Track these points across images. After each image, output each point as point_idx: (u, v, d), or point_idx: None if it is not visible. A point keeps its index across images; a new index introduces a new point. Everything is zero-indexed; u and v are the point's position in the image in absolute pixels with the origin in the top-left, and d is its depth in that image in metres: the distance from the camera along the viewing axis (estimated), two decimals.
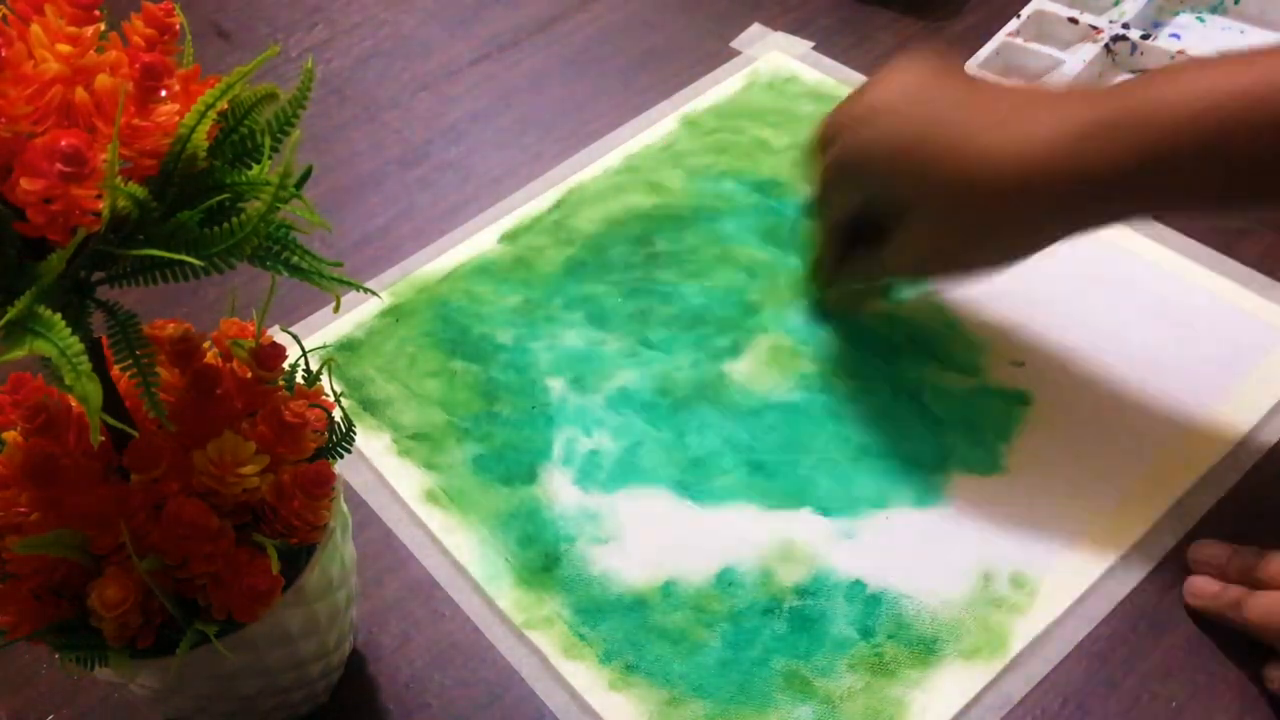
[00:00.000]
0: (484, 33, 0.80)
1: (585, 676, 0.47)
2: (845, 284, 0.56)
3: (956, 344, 0.57)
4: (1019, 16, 0.70)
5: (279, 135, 0.36)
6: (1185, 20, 0.71)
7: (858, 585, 0.49)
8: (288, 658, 0.41)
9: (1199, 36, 0.70)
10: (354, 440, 0.43)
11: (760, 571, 0.49)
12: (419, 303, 0.62)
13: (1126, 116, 0.43)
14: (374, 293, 0.40)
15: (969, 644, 0.46)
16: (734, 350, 0.58)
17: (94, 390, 0.29)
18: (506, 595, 0.50)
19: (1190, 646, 0.46)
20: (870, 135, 0.48)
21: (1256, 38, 0.69)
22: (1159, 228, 0.60)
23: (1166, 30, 0.71)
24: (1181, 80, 0.43)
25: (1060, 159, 0.44)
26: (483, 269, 0.64)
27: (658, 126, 0.70)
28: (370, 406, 0.57)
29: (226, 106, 0.35)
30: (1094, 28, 0.69)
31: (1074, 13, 0.70)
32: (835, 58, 0.73)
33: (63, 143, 0.30)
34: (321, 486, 0.39)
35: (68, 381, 0.29)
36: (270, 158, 0.35)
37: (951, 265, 0.50)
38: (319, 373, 0.43)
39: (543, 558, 0.51)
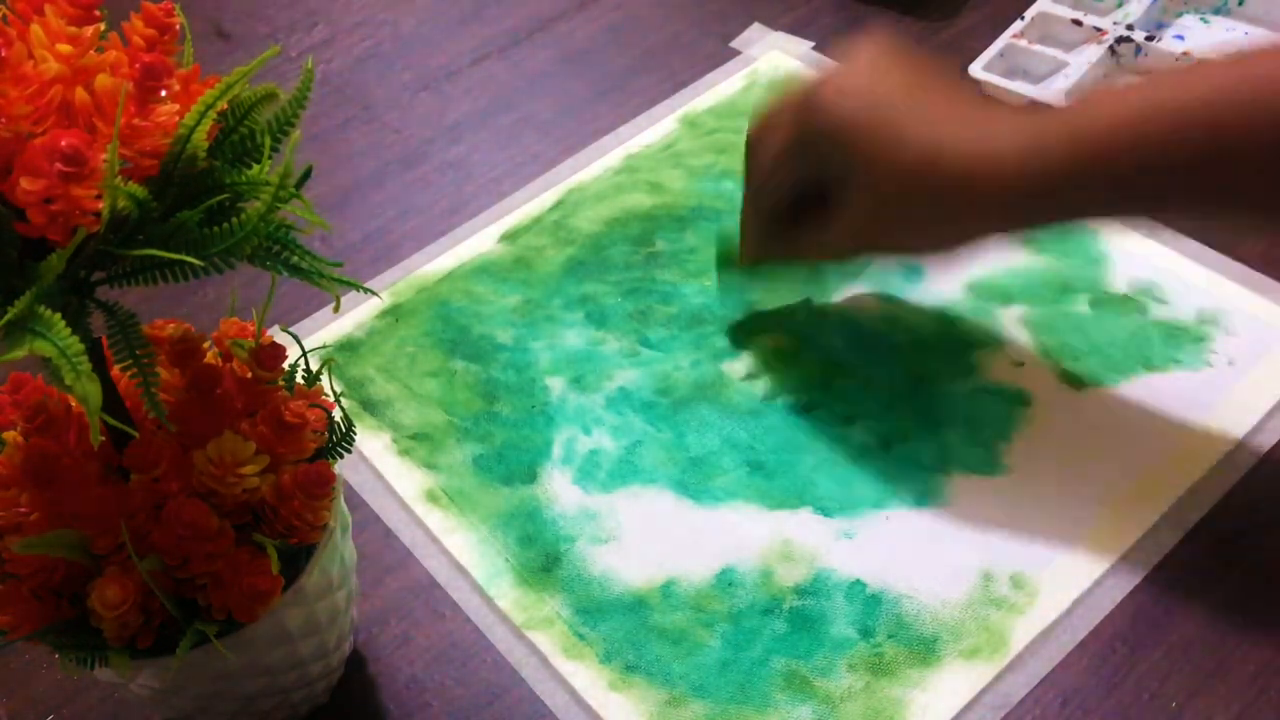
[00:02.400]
0: (484, 33, 0.80)
1: (585, 676, 0.47)
2: (769, 261, 0.56)
3: (956, 344, 0.57)
4: (1023, 18, 0.70)
5: (279, 135, 0.36)
6: (1189, 21, 0.71)
7: (858, 585, 0.48)
8: (288, 658, 0.41)
9: (1203, 37, 0.70)
10: (354, 440, 0.43)
11: (760, 571, 0.49)
12: (419, 303, 0.62)
13: (1065, 130, 0.45)
14: (374, 293, 0.40)
15: (969, 644, 0.46)
16: (734, 350, 0.58)
17: (94, 390, 0.29)
18: (506, 595, 0.50)
19: (1190, 646, 0.46)
20: (837, 113, 0.49)
21: (1259, 39, 0.69)
22: (1159, 228, 0.60)
23: (1170, 31, 0.71)
24: (1114, 98, 0.46)
25: (1007, 162, 0.46)
26: (483, 269, 0.64)
27: (658, 126, 0.70)
28: (370, 406, 0.57)
29: (226, 106, 0.35)
30: (1098, 29, 0.69)
31: (1078, 14, 0.70)
32: (835, 58, 0.73)
33: (63, 143, 0.30)
34: (321, 486, 0.39)
35: (68, 381, 0.29)
36: (270, 158, 0.35)
37: (885, 244, 0.51)
38: (319, 373, 0.43)
39: (543, 558, 0.51)
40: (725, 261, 0.58)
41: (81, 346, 0.30)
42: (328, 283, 0.36)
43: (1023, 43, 0.70)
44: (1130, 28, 0.69)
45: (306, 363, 0.43)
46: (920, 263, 0.53)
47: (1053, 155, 0.45)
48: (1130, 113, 0.44)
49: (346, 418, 0.43)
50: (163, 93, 0.33)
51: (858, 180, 0.49)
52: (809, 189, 0.51)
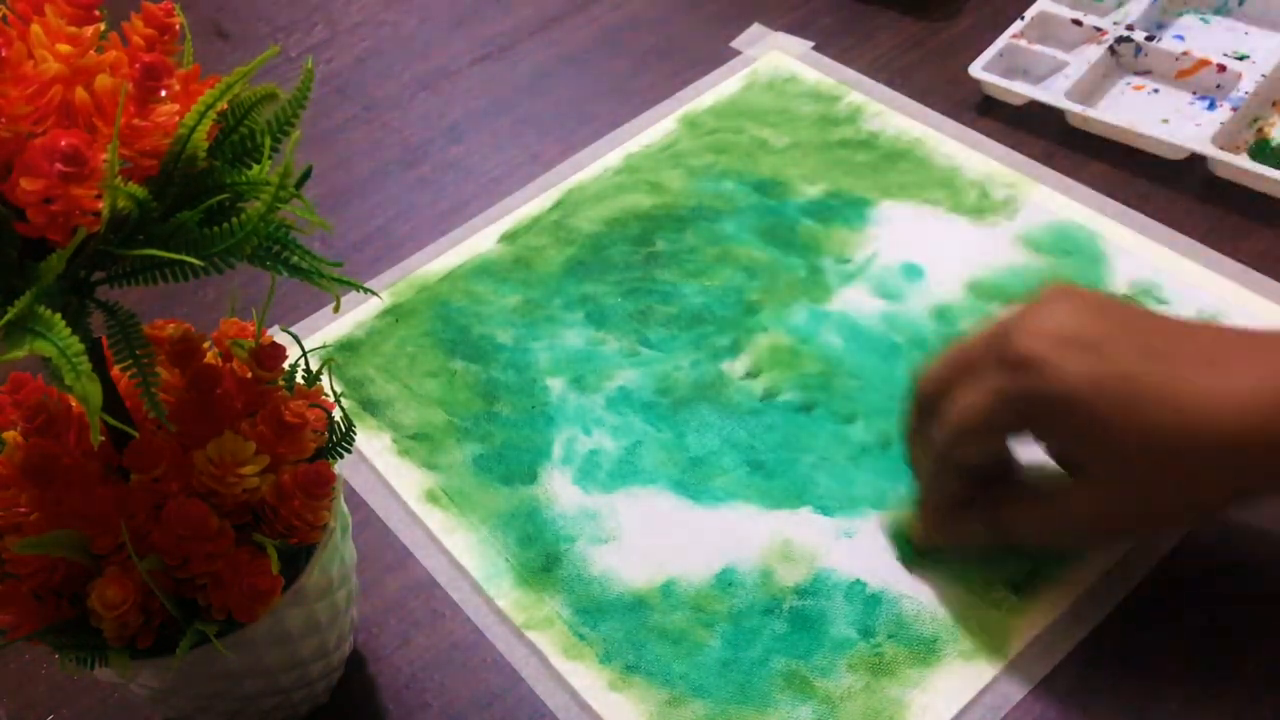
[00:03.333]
0: (484, 33, 0.80)
1: (585, 676, 0.47)
2: (960, 535, 0.48)
3: None
4: (1023, 18, 0.70)
5: (279, 135, 0.36)
6: (1189, 21, 0.71)
7: (858, 585, 0.48)
8: (288, 658, 0.41)
9: (1203, 37, 0.70)
10: (354, 440, 0.43)
11: (760, 571, 0.49)
12: (419, 303, 0.62)
13: None
14: (374, 293, 0.40)
15: (969, 644, 0.46)
16: (734, 350, 0.58)
17: (94, 390, 0.29)
18: (506, 595, 0.50)
19: (1190, 648, 0.46)
20: (1063, 373, 0.40)
21: (1260, 39, 0.69)
22: (1159, 227, 0.60)
23: (1171, 32, 0.71)
24: None
25: (1265, 414, 0.39)
26: (483, 269, 0.64)
27: (658, 126, 0.70)
28: (370, 406, 0.57)
29: (226, 106, 0.35)
30: (1098, 29, 0.69)
31: (1078, 14, 0.70)
32: (835, 58, 0.73)
33: (63, 143, 0.30)
34: (321, 486, 0.39)
35: (68, 381, 0.29)
36: (270, 158, 0.35)
37: (1129, 527, 0.45)
38: (319, 373, 0.43)
39: (543, 558, 0.51)
40: (903, 545, 0.49)
41: (81, 346, 0.30)
42: (328, 283, 0.35)
43: (1023, 43, 0.70)
44: (1130, 28, 0.69)
45: (306, 363, 0.43)
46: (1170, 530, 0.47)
47: None
48: None
49: (346, 418, 0.43)
50: (163, 93, 0.33)
51: (1095, 457, 0.41)
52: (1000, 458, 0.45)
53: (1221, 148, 0.61)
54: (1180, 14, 0.72)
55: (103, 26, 0.34)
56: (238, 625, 0.38)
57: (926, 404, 0.45)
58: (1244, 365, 0.40)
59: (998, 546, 0.47)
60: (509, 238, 0.65)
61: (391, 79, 0.78)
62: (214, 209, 0.33)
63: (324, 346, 0.60)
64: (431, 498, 0.53)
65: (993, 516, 0.46)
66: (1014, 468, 0.47)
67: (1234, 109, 0.63)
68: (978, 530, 0.47)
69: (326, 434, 0.42)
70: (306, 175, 0.35)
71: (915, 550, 0.49)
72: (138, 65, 0.32)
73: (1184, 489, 0.41)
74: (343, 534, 0.43)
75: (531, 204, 0.67)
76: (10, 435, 0.38)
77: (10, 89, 0.31)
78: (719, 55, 0.75)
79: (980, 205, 0.63)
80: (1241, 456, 0.39)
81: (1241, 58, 0.67)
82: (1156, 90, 0.68)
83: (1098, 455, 0.41)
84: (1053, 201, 0.63)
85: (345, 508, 0.44)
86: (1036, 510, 0.45)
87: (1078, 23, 0.70)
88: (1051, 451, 0.45)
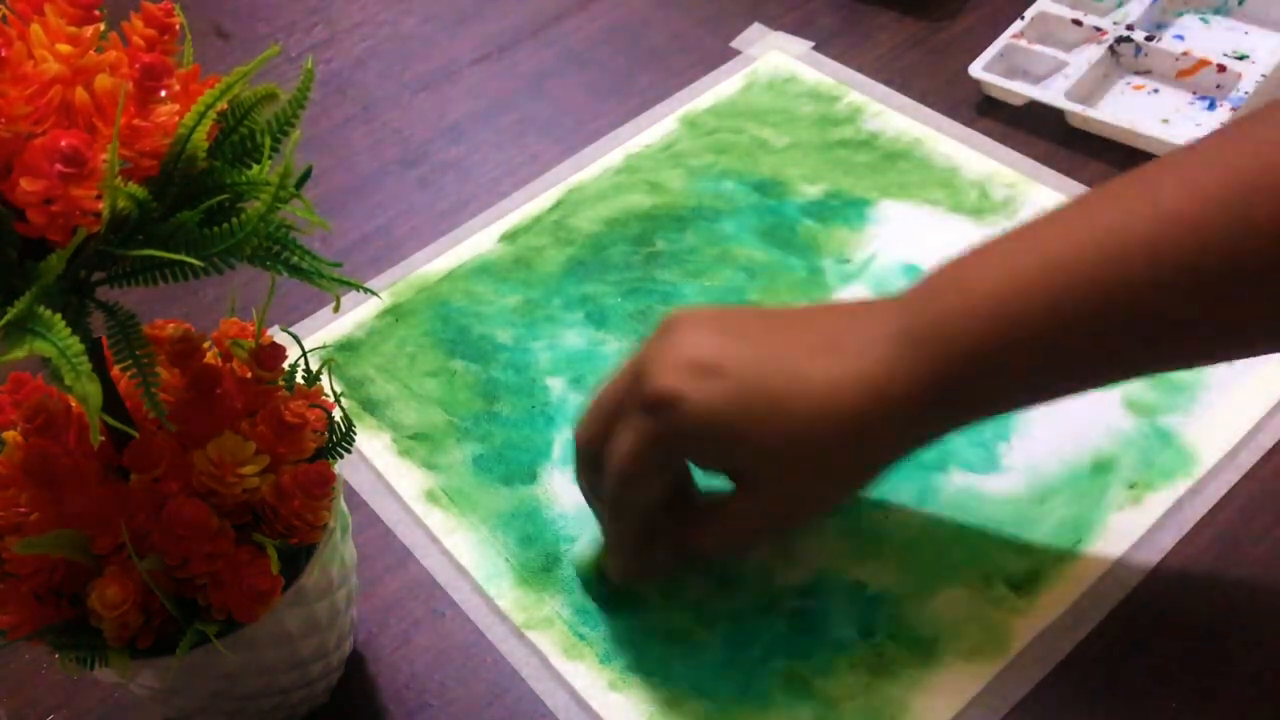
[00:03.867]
0: (484, 33, 0.80)
1: (585, 676, 0.47)
2: (651, 570, 0.49)
3: None
4: (1023, 18, 0.70)
5: (279, 135, 0.36)
6: (1189, 21, 0.71)
7: (858, 585, 0.48)
8: (288, 658, 0.41)
9: (1203, 37, 0.70)
10: (354, 440, 0.43)
11: (760, 571, 0.49)
12: (419, 303, 0.62)
13: (924, 326, 0.41)
14: (374, 293, 0.40)
15: (969, 644, 0.46)
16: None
17: (94, 390, 0.29)
18: (506, 595, 0.50)
19: (1190, 648, 0.46)
20: (698, 403, 0.41)
21: (1260, 39, 0.69)
22: None
23: (1171, 31, 0.71)
24: (971, 278, 0.41)
25: (884, 384, 0.41)
26: (483, 269, 0.64)
27: (658, 126, 0.70)
28: (370, 406, 0.57)
29: (226, 106, 0.35)
30: (1098, 29, 0.69)
31: (1078, 14, 0.70)
32: (835, 58, 0.73)
33: (63, 143, 0.30)
34: (321, 486, 0.39)
35: (68, 381, 0.29)
36: (270, 158, 0.35)
37: (803, 515, 0.46)
38: (319, 373, 0.43)
39: (543, 558, 0.51)
40: (593, 585, 0.49)
41: (81, 346, 0.30)
42: (328, 283, 0.36)
43: (1022, 43, 0.70)
44: (1130, 28, 0.69)
45: (306, 363, 0.43)
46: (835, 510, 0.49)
47: (919, 357, 0.40)
48: (996, 298, 0.40)
49: (346, 418, 0.43)
50: (163, 93, 0.33)
51: (757, 465, 0.42)
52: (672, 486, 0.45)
53: None
54: (1180, 14, 0.72)
55: (103, 26, 0.34)
56: (238, 625, 0.38)
57: (588, 456, 0.46)
58: (852, 342, 0.42)
59: (686, 569, 0.49)
60: (509, 238, 0.65)
61: (391, 79, 0.78)
62: (214, 209, 0.33)
63: (324, 346, 0.60)
64: (431, 498, 0.53)
65: (677, 542, 0.46)
66: (690, 491, 0.47)
67: (1234, 109, 0.63)
68: (665, 559, 0.48)
69: (326, 434, 0.42)
70: (306, 175, 0.35)
71: (609, 589, 0.49)
72: (138, 65, 0.32)
73: (832, 474, 0.43)
74: (343, 534, 0.43)
75: (531, 204, 0.67)
76: (10, 435, 0.38)
77: (10, 89, 0.31)
78: (719, 55, 0.75)
79: (980, 205, 0.63)
80: (870, 429, 0.41)
81: (1241, 58, 0.67)
82: (1156, 90, 0.68)
83: (751, 465, 0.43)
84: (1053, 201, 0.62)
85: (345, 508, 0.44)
86: (710, 527, 0.45)
87: (1078, 23, 0.70)
88: (718, 470, 0.45)
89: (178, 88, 0.34)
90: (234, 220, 0.33)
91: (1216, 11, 0.71)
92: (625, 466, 0.43)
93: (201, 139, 0.33)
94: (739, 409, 0.41)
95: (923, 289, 0.43)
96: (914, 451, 0.43)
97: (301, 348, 0.43)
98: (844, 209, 0.64)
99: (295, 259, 0.35)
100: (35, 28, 0.32)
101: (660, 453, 0.43)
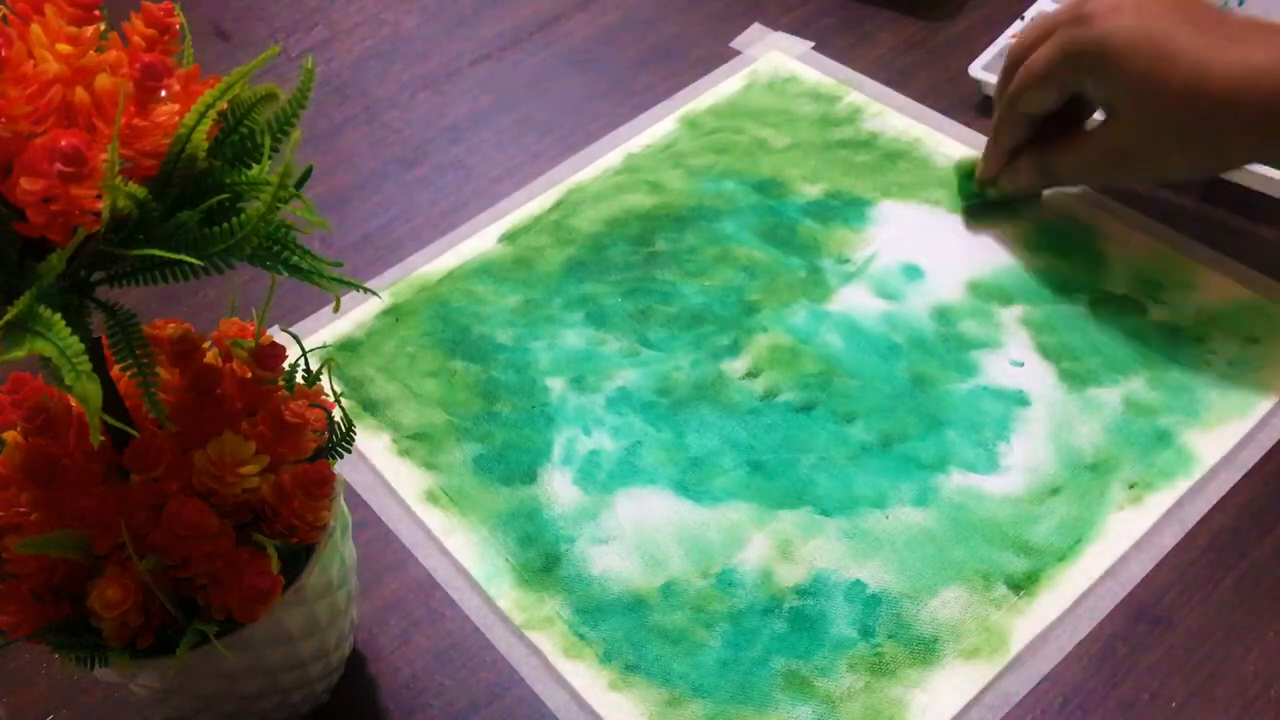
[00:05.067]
0: (484, 33, 0.80)
1: (585, 676, 0.47)
2: (1012, 179, 0.59)
3: (956, 344, 0.57)
4: (1022, 18, 0.70)
5: (279, 135, 0.36)
6: None
7: (858, 585, 0.49)
8: (288, 658, 0.41)
9: None
10: (354, 440, 0.43)
11: (760, 571, 0.49)
12: (419, 303, 0.62)
13: None
14: (374, 293, 0.40)
15: (969, 644, 0.46)
16: (734, 350, 0.58)
17: (94, 390, 0.29)
18: (506, 595, 0.50)
19: (1190, 646, 0.46)
20: (1108, 27, 0.50)
21: None
22: (1159, 227, 0.60)
23: None
24: None
25: (1264, 83, 0.48)
26: (483, 269, 0.64)
27: (658, 126, 0.70)
28: (370, 406, 0.57)
29: (226, 106, 0.35)
30: None
31: None
32: (835, 58, 0.73)
33: (63, 143, 0.30)
34: (321, 486, 0.39)
35: (68, 381, 0.29)
36: (270, 158, 0.35)
37: (1144, 166, 0.54)
38: (319, 373, 0.43)
39: (543, 558, 0.51)
40: (964, 179, 0.62)
41: (81, 346, 0.30)
42: (328, 283, 0.35)
43: None
44: None
45: (306, 363, 0.43)
46: (1174, 184, 0.58)
47: None
48: None
49: (346, 418, 0.43)
50: (163, 93, 0.33)
51: (1124, 98, 0.51)
52: (1065, 107, 0.54)
53: None
54: None
55: (103, 26, 0.34)
56: (238, 625, 0.38)
57: (1012, 65, 0.56)
58: (1268, 46, 0.49)
59: (1038, 185, 0.59)
60: (509, 238, 0.65)
61: (391, 79, 0.78)
62: (214, 209, 0.33)
63: (324, 346, 0.60)
64: (431, 498, 0.53)
65: (1042, 156, 0.57)
66: (1075, 121, 0.56)
67: None
68: (1029, 168, 0.58)
69: (326, 434, 0.42)
70: (306, 175, 0.35)
71: (975, 186, 0.61)
72: (138, 65, 0.32)
73: (1193, 140, 0.51)
74: (343, 534, 0.43)
75: (531, 204, 0.67)
76: (10, 435, 0.38)
77: (10, 89, 0.31)
78: (719, 55, 0.75)
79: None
80: (1241, 119, 0.49)
81: None
82: None
83: (1128, 97, 0.51)
84: (1052, 201, 0.63)
85: (345, 508, 0.44)
86: (1073, 144, 0.55)
87: None
88: (1099, 99, 0.54)
89: (178, 88, 0.34)
90: (234, 220, 0.33)
91: None
92: (1035, 67, 0.54)
93: (201, 139, 0.33)
94: (1140, 45, 0.50)
95: None
96: (1258, 157, 0.52)
97: (301, 348, 0.43)
98: (844, 209, 0.64)
99: (295, 259, 0.35)
100: (35, 28, 0.32)
101: (1064, 61, 0.53)
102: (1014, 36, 0.69)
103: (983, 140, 0.66)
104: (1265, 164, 0.53)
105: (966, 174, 0.61)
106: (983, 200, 0.61)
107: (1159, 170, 0.56)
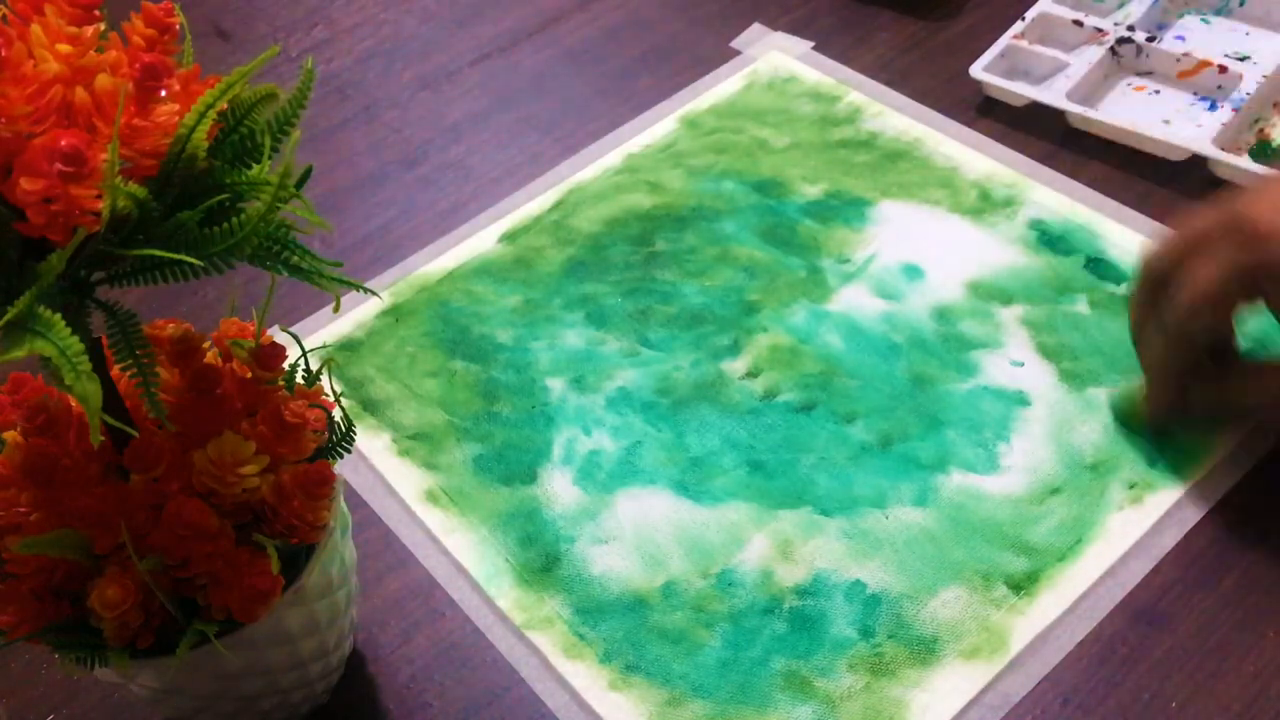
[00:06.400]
0: (484, 33, 0.80)
1: (585, 676, 0.47)
2: (1191, 407, 0.51)
3: (956, 344, 0.57)
4: (1023, 19, 0.70)
5: (279, 135, 0.36)
6: (1190, 22, 0.71)
7: (858, 585, 0.48)
8: (288, 658, 0.41)
9: (1204, 38, 0.70)
10: (354, 440, 0.43)
11: (760, 571, 0.49)
12: (419, 303, 0.62)
13: None
14: (374, 293, 0.40)
15: (969, 644, 0.46)
16: (734, 350, 0.58)
17: (94, 390, 0.29)
18: (506, 595, 0.50)
19: (1190, 646, 0.46)
20: None
21: (1261, 39, 0.69)
22: (1160, 227, 0.60)
23: (1171, 32, 0.71)
24: None
25: None
26: (483, 269, 0.64)
27: (658, 126, 0.70)
28: (370, 406, 0.57)
29: (226, 106, 0.35)
30: (1099, 30, 0.69)
31: (1079, 15, 0.70)
32: (835, 58, 0.73)
33: (63, 143, 0.30)
34: (321, 486, 0.39)
35: (68, 381, 0.29)
36: (270, 158, 0.35)
37: None
38: (319, 373, 0.43)
39: (543, 558, 0.51)
40: (1126, 418, 0.53)
41: (81, 346, 0.30)
42: (328, 283, 0.35)
43: (1023, 43, 0.70)
44: (1131, 28, 0.69)
45: (306, 363, 0.43)
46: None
47: None
48: None
49: (346, 418, 0.43)
50: (163, 93, 0.33)
51: None
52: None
53: (1222, 149, 0.61)
54: (1181, 14, 0.72)
55: (103, 26, 0.34)
56: (238, 625, 0.38)
57: (1156, 281, 0.48)
58: None
59: (1214, 416, 0.51)
60: (509, 238, 0.65)
61: (391, 79, 0.78)
62: (214, 209, 0.33)
63: (324, 346, 0.60)
64: (431, 498, 0.53)
65: (1221, 385, 0.49)
66: (1232, 345, 0.50)
67: (1235, 110, 0.63)
68: (1199, 403, 0.50)
69: (326, 434, 0.42)
70: (306, 175, 0.35)
71: (1148, 425, 0.52)
72: (138, 65, 0.32)
73: None
74: (343, 534, 0.43)
75: (531, 204, 0.67)
76: (10, 435, 0.38)
77: (10, 89, 0.31)
78: (719, 55, 0.75)
79: (980, 205, 0.63)
80: None
81: (1243, 58, 0.67)
82: (1157, 91, 0.68)
83: None
84: (1053, 202, 0.63)
85: (345, 508, 0.44)
86: (1253, 380, 0.49)
87: (1079, 23, 0.70)
88: None
89: (178, 88, 0.34)
90: (234, 220, 0.33)
91: (1217, 12, 0.71)
92: (1203, 291, 0.46)
93: (201, 139, 0.33)
94: None
95: None
96: None
97: (301, 348, 0.43)
98: (844, 209, 0.64)
99: (295, 259, 0.35)
100: (35, 28, 0.32)
101: (1242, 284, 0.45)
102: (1017, 36, 0.70)
103: (983, 141, 0.66)
104: None
105: (1129, 413, 0.53)
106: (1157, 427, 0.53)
107: None
